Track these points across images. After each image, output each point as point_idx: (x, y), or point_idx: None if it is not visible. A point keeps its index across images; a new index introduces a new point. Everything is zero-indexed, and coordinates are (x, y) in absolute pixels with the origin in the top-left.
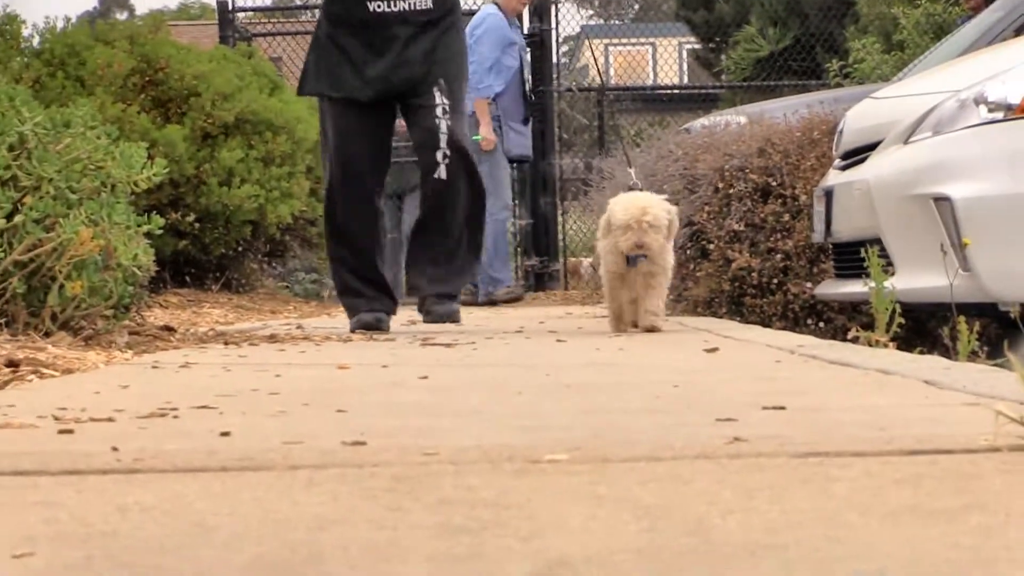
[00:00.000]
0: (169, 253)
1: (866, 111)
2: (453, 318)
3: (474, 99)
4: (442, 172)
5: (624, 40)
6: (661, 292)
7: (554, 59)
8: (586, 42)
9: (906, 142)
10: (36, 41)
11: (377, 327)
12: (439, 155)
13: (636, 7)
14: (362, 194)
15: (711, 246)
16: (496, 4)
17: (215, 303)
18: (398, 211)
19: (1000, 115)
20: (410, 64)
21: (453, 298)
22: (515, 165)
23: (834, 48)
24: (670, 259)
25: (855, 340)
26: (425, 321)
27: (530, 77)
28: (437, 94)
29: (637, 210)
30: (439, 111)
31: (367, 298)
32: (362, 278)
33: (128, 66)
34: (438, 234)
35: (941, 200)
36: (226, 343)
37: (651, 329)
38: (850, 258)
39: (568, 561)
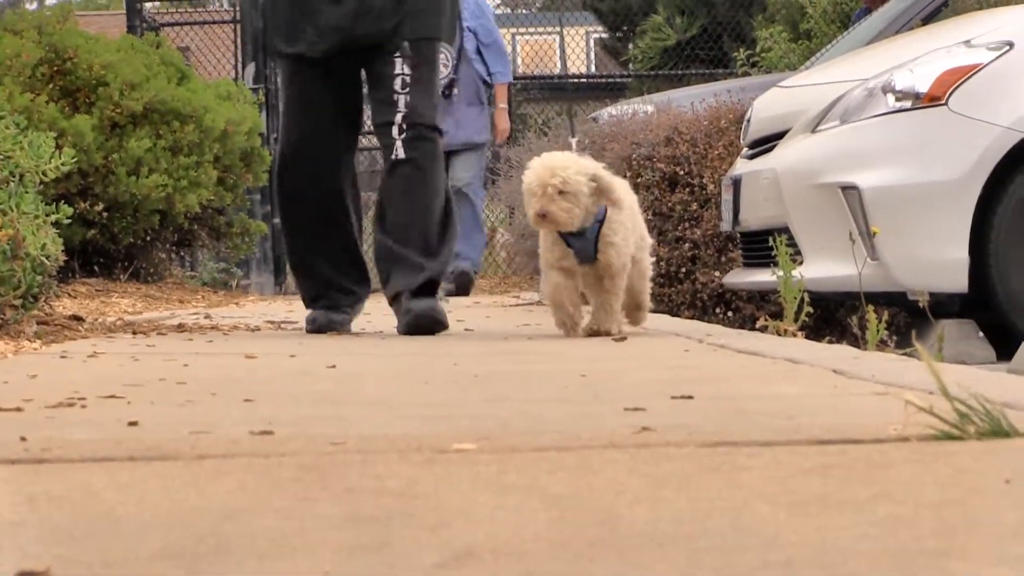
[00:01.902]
0: (78, 243)
1: (773, 100)
2: (436, 318)
3: (498, 85)
4: (399, 150)
5: (532, 29)
6: (615, 293)
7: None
8: None
9: (814, 131)
10: None
11: (330, 329)
12: (394, 130)
13: None
14: (316, 174)
15: None
16: None
17: (123, 293)
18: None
19: (908, 104)
20: (375, 13)
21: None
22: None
23: (741, 37)
24: (621, 246)
25: (763, 329)
26: (402, 329)
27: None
28: (398, 62)
29: (545, 171)
30: (397, 83)
31: (319, 288)
32: (312, 263)
33: (36, 56)
34: (402, 224)
35: (849, 189)
36: (134, 333)
37: (597, 335)
38: (758, 247)
39: (476, 551)
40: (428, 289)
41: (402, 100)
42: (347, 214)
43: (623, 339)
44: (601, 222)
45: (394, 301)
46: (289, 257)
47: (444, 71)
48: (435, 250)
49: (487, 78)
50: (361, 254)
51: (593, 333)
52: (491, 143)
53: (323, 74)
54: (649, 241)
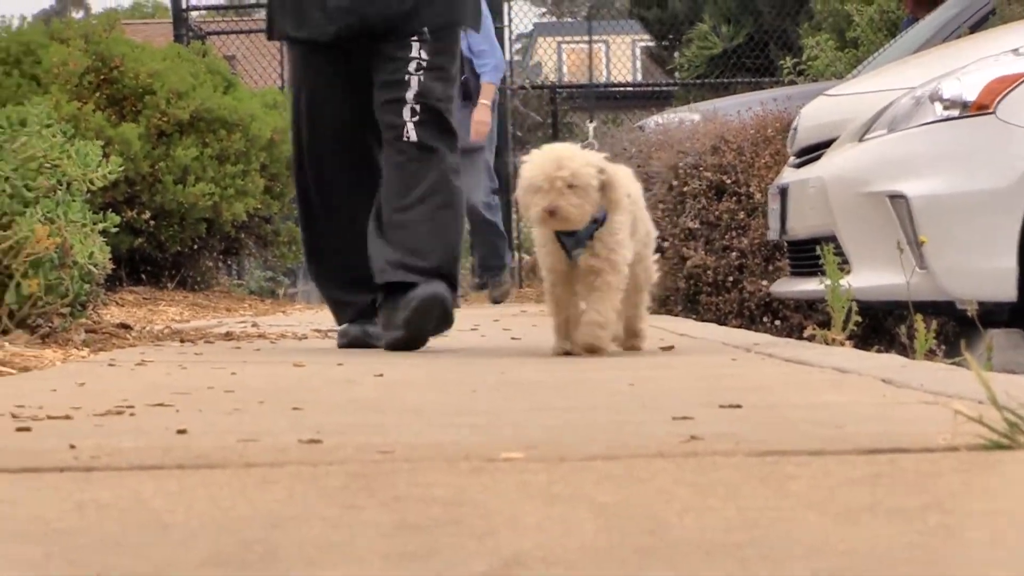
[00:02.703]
0: (125, 251)
1: (820, 108)
2: (443, 305)
3: (484, 83)
4: (410, 131)
5: (577, 38)
6: (610, 295)
7: (507, 57)
8: (539, 40)
9: (861, 139)
10: None
11: (366, 344)
12: (405, 111)
13: (589, 5)
14: (338, 174)
15: (666, 244)
16: None
17: (171, 301)
18: None
19: (955, 112)
20: None
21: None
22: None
23: (788, 45)
24: (620, 247)
25: (811, 338)
26: (402, 319)
27: None
28: (415, 45)
29: (550, 164)
30: (411, 66)
31: (352, 305)
32: (345, 276)
33: (83, 64)
34: (409, 213)
35: (897, 198)
36: (182, 341)
37: (590, 348)
38: (806, 256)
39: (524, 560)
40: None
41: (415, 80)
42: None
43: (670, 348)
44: (599, 221)
45: (387, 298)
46: (309, 265)
47: None
48: (443, 251)
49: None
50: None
51: (587, 349)
52: (493, 146)
53: (335, 60)
54: (654, 235)
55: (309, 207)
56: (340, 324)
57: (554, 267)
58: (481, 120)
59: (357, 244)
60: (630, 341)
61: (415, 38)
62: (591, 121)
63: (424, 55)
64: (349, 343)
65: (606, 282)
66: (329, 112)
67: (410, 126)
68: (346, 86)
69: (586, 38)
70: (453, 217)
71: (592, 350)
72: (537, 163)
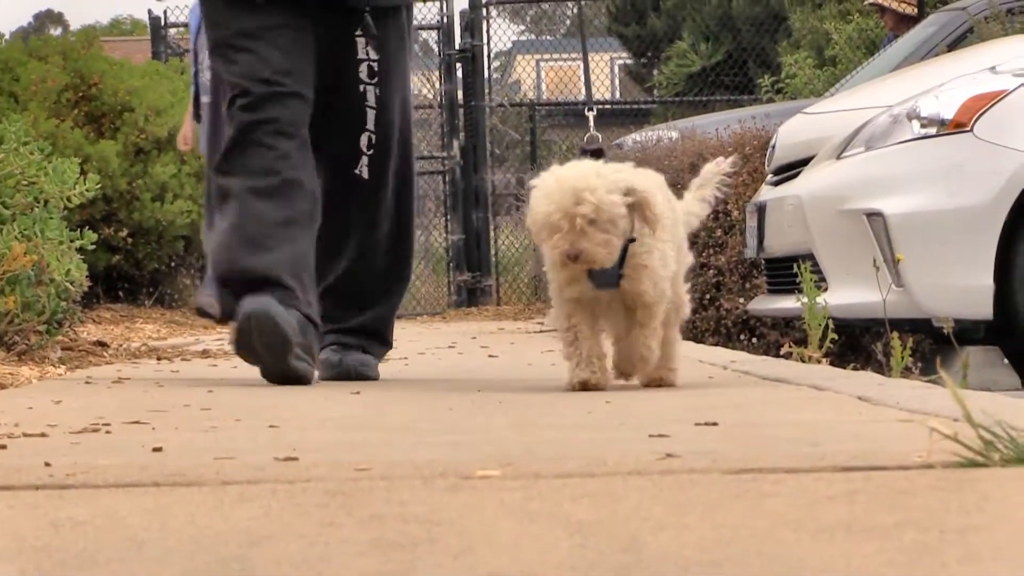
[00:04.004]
0: (102, 268)
1: (798, 126)
2: (365, 372)
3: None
4: (363, 168)
5: (556, 55)
6: (655, 326)
7: (486, 74)
8: (518, 57)
9: (839, 157)
10: None
11: (299, 378)
12: (363, 140)
13: (568, 22)
14: (280, 126)
15: None
16: None
17: (148, 318)
18: None
19: (933, 130)
20: None
21: (367, 349)
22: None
23: (766, 63)
24: (658, 268)
25: (788, 356)
26: (322, 374)
27: None
28: (360, 43)
29: (567, 198)
30: (363, 71)
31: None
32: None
33: (62, 81)
34: (362, 264)
35: (874, 215)
36: (159, 358)
37: (659, 382)
38: (783, 274)
39: None
40: (361, 344)
41: (371, 93)
42: (312, 211)
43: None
44: (629, 239)
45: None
46: (209, 246)
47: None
48: (380, 293)
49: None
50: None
51: (623, 374)
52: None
53: (267, 16)
54: (689, 259)
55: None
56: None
57: (570, 292)
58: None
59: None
60: (658, 373)
61: (359, 32)
62: (590, 110)
63: (372, 53)
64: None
65: (649, 313)
66: (272, 57)
67: (364, 161)
68: (292, 39)
69: (564, 56)
70: (397, 264)
71: (628, 376)
72: (553, 196)
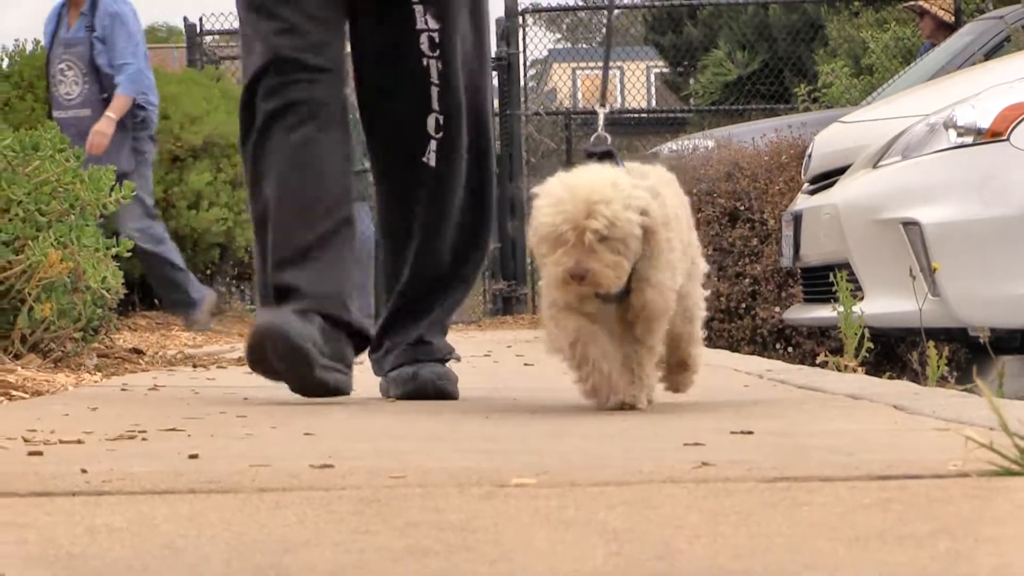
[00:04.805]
0: (138, 276)
1: (835, 135)
2: (444, 388)
3: (117, 96)
4: (431, 154)
5: (592, 64)
6: (654, 348)
7: (521, 83)
8: (554, 66)
9: (875, 166)
10: (5, 63)
11: (310, 379)
12: (430, 122)
13: (604, 30)
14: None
15: None
16: None
17: (184, 326)
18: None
19: (969, 139)
20: None
21: (440, 359)
22: None
23: (803, 72)
24: (665, 283)
25: (824, 365)
26: (394, 393)
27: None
28: (418, 10)
29: (579, 207)
30: (424, 42)
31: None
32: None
33: None
34: (425, 269)
35: (910, 225)
36: (194, 366)
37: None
38: (819, 283)
39: None
40: (433, 352)
41: (434, 68)
42: (346, 200)
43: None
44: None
45: (386, 353)
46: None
47: (75, 88)
48: (451, 294)
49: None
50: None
51: (610, 406)
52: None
53: None
54: (703, 267)
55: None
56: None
57: (575, 307)
58: (99, 131)
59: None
60: (676, 376)
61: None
62: (603, 107)
63: (431, 22)
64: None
65: (648, 329)
66: (298, 17)
67: (432, 146)
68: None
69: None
70: (468, 260)
71: (625, 407)
72: (562, 206)
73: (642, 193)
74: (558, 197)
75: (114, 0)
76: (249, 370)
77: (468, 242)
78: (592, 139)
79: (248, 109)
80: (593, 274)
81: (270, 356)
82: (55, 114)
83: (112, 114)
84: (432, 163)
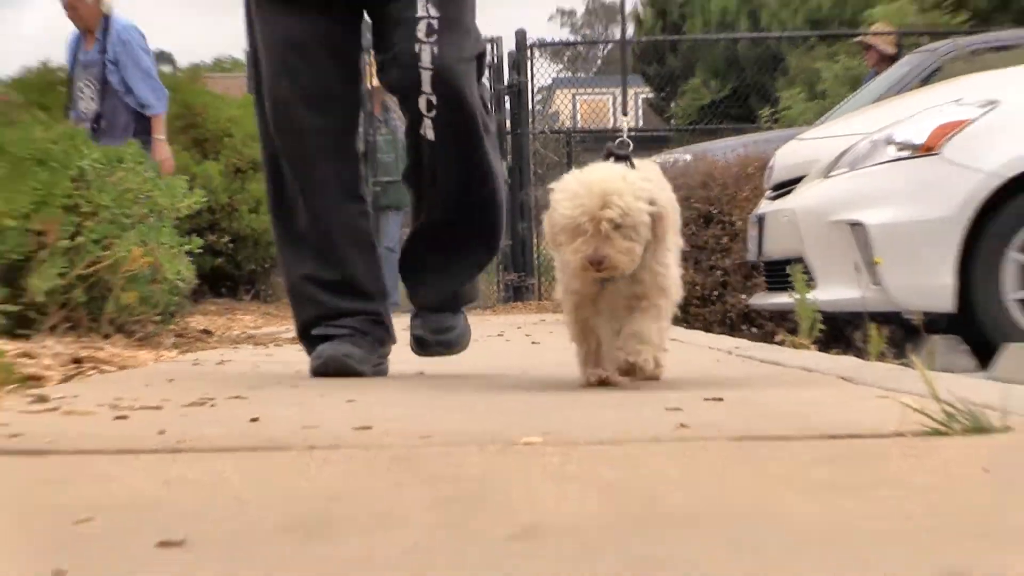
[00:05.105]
0: (207, 269)
1: (793, 151)
2: (450, 344)
3: (153, 117)
4: (427, 129)
5: (589, 90)
6: (656, 315)
7: (529, 106)
8: (557, 92)
9: (826, 176)
10: None
11: (344, 370)
12: (422, 102)
13: (599, 62)
14: (317, 135)
15: None
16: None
17: (246, 311)
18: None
19: (906, 154)
20: None
21: (452, 317)
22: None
23: (766, 97)
24: (668, 269)
25: (782, 343)
26: (416, 351)
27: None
28: (420, 1)
29: (594, 199)
30: (421, 29)
31: (319, 308)
32: (326, 286)
33: (172, 112)
34: (432, 223)
35: (856, 225)
36: (255, 344)
37: (629, 368)
38: (779, 274)
39: (540, 527)
40: (445, 311)
41: (426, 52)
42: (357, 195)
43: (664, 351)
44: None
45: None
46: (282, 263)
47: (92, 104)
48: (462, 265)
49: (141, 111)
50: (378, 257)
51: (627, 371)
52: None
53: (316, 12)
54: (679, 243)
55: (279, 185)
56: (303, 337)
57: (582, 289)
58: (163, 159)
59: (337, 230)
60: None
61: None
62: (625, 115)
63: (431, 10)
64: (322, 367)
65: (654, 304)
66: (307, 62)
67: (427, 123)
68: (322, 38)
69: (596, 90)
70: (482, 235)
71: (631, 371)
72: (579, 199)
73: (649, 185)
74: (574, 191)
75: (124, 28)
76: (301, 349)
77: (476, 205)
78: (617, 142)
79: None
80: (609, 259)
81: (331, 374)
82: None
83: (159, 135)
84: (430, 137)
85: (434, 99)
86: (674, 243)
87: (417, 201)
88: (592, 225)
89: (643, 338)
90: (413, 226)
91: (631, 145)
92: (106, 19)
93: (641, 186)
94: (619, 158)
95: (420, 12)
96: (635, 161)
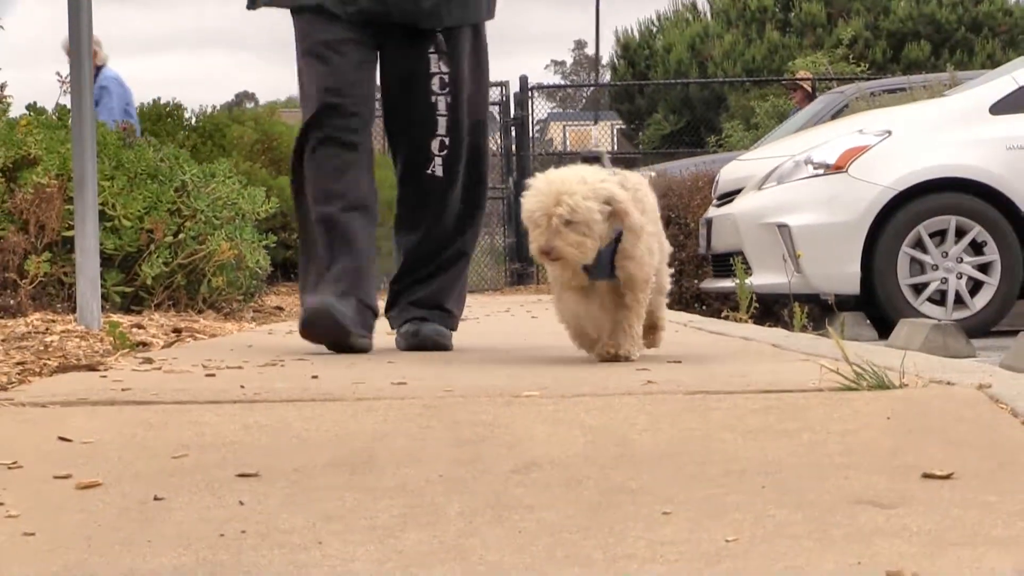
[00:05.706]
0: (280, 259)
1: (734, 168)
2: (441, 342)
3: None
4: (436, 168)
5: (576, 122)
6: (639, 311)
7: (530, 134)
8: (551, 124)
9: (760, 188)
10: (193, 120)
11: (345, 344)
12: (435, 144)
13: (584, 101)
14: (351, 139)
15: None
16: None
17: None
18: None
19: (821, 171)
20: None
21: (446, 318)
22: None
23: (712, 128)
24: (644, 257)
25: (726, 318)
26: (402, 346)
27: None
28: (432, 59)
29: (548, 197)
30: (435, 83)
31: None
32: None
33: (254, 138)
34: (429, 244)
35: (782, 227)
36: None
37: (611, 360)
38: (723, 264)
39: (538, 462)
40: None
41: (442, 103)
42: (370, 211)
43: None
44: (618, 239)
45: (399, 312)
46: (303, 252)
47: None
48: (445, 271)
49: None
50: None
51: (609, 357)
52: None
53: (352, 30)
54: (668, 249)
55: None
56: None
57: (571, 285)
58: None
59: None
60: (650, 336)
61: (432, 50)
62: (602, 150)
63: (443, 67)
64: (310, 325)
65: (635, 298)
66: (347, 66)
67: (438, 161)
68: (358, 53)
69: (581, 123)
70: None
71: (613, 360)
72: (536, 196)
73: (609, 186)
74: (537, 189)
75: (106, 78)
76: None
77: (465, 222)
78: (587, 150)
79: (298, 153)
80: (558, 250)
81: (319, 328)
82: None
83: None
84: (438, 174)
85: (447, 140)
86: (656, 239)
87: (417, 242)
88: (545, 220)
89: (624, 330)
90: (405, 258)
91: (604, 153)
92: (98, 68)
93: (598, 187)
94: (589, 161)
95: (433, 69)
96: (627, 173)
